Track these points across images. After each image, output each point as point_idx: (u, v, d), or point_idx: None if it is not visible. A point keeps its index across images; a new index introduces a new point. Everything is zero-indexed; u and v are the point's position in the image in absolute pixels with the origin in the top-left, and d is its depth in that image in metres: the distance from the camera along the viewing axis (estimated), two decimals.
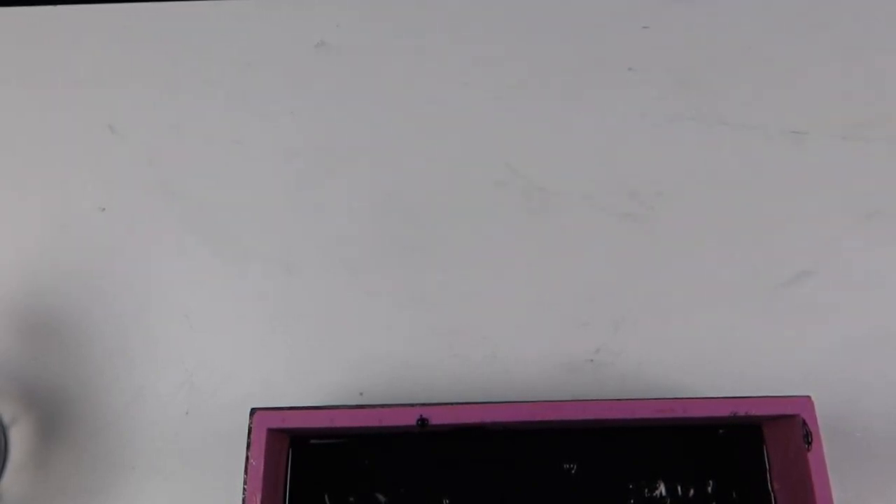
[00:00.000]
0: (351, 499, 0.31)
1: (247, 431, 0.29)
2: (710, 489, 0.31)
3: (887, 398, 0.36)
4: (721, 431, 0.32)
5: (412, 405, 0.29)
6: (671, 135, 0.42)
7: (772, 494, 0.31)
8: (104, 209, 0.41)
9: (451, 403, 0.29)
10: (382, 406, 0.29)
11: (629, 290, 0.38)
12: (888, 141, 0.42)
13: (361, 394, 0.37)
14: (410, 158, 0.42)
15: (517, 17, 0.45)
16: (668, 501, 0.31)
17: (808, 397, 0.30)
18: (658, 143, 0.42)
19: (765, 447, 0.32)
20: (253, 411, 0.29)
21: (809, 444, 0.29)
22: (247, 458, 0.28)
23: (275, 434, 0.29)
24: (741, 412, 0.29)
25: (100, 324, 0.38)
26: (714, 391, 0.36)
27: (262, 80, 0.44)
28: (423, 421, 0.29)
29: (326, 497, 0.31)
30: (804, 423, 0.29)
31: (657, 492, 0.31)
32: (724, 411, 0.29)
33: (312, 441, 0.32)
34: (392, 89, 0.43)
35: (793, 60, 0.44)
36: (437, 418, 0.29)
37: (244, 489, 0.28)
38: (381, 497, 0.31)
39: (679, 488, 0.31)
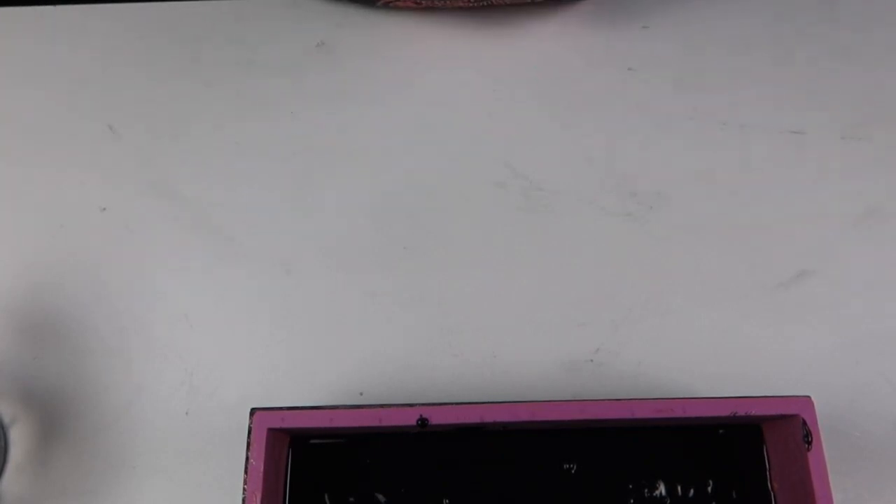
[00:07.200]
0: (351, 499, 0.31)
1: (247, 431, 0.29)
2: (710, 489, 0.31)
3: (887, 398, 0.36)
4: (721, 431, 0.32)
5: (412, 405, 0.29)
6: (671, 135, 0.42)
7: (772, 494, 0.31)
8: (104, 209, 0.41)
9: (451, 403, 0.29)
10: (382, 406, 0.29)
11: (629, 290, 0.38)
12: (887, 141, 0.42)
13: (361, 394, 0.37)
14: (410, 158, 0.42)
15: (517, 17, 0.45)
16: (668, 501, 0.31)
17: (808, 397, 0.30)
18: (658, 143, 0.42)
19: (765, 447, 0.32)
20: (253, 411, 0.29)
21: (809, 444, 0.29)
22: (247, 458, 0.28)
23: (275, 434, 0.29)
24: (741, 412, 0.29)
25: (100, 324, 0.38)
26: (714, 391, 0.36)
27: (262, 81, 0.44)
28: (423, 421, 0.29)
29: (326, 497, 0.31)
30: (804, 423, 0.29)
31: (657, 492, 0.31)
32: (724, 411, 0.29)
33: (312, 441, 0.32)
34: (392, 89, 0.43)
35: (793, 60, 0.44)
36: (437, 418, 0.29)
37: (244, 489, 0.28)
38: (381, 497, 0.31)
39: (679, 488, 0.31)
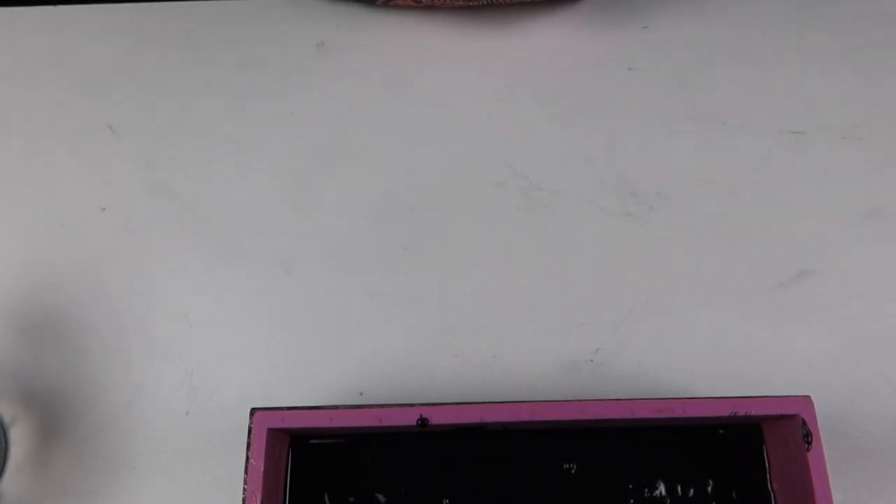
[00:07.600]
0: (351, 499, 0.31)
1: (247, 431, 0.29)
2: (709, 489, 0.32)
3: (887, 398, 0.36)
4: (721, 431, 0.32)
5: (412, 405, 0.29)
6: (671, 135, 0.42)
7: (772, 494, 0.31)
8: (104, 209, 0.41)
9: (451, 403, 0.29)
10: (382, 406, 0.29)
11: (628, 290, 0.38)
12: (887, 141, 0.42)
13: (361, 394, 0.37)
14: (410, 158, 0.42)
15: (517, 16, 0.45)
16: (668, 501, 0.31)
17: (808, 397, 0.30)
18: (658, 143, 0.42)
19: (765, 447, 0.32)
20: (253, 411, 0.29)
21: (809, 444, 0.29)
22: (247, 458, 0.28)
23: (275, 434, 0.29)
24: (741, 412, 0.29)
25: (100, 324, 0.38)
26: (714, 391, 0.36)
27: (262, 81, 0.44)
28: (423, 421, 0.29)
29: (326, 497, 0.31)
30: (804, 423, 0.29)
31: (657, 492, 0.31)
32: (724, 411, 0.29)
33: (312, 441, 0.32)
34: (392, 89, 0.43)
35: (793, 60, 0.44)
36: (437, 418, 0.29)
37: (244, 489, 0.28)
38: (381, 497, 0.31)
39: (679, 488, 0.31)
